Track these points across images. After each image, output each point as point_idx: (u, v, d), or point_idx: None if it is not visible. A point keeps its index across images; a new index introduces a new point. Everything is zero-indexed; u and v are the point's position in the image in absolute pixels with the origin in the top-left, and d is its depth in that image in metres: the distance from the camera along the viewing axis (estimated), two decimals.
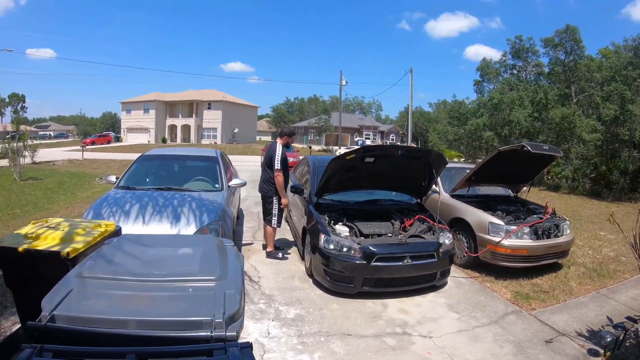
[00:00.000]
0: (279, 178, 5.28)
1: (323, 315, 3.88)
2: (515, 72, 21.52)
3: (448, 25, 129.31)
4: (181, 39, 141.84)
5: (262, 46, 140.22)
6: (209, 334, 1.54)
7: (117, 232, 3.13)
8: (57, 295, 1.70)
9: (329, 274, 4.36)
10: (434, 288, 4.71)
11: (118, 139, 50.63)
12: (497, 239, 5.12)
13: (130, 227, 4.03)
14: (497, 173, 6.04)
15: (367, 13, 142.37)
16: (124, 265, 2.08)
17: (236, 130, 49.83)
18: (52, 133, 67.18)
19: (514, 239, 5.14)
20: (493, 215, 5.46)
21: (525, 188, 6.91)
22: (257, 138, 60.10)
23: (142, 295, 1.78)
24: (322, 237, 4.44)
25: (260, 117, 69.58)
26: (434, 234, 4.86)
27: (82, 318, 1.59)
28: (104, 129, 69.37)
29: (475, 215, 5.51)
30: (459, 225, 5.68)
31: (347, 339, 3.42)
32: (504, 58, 21.66)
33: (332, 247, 4.36)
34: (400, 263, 4.29)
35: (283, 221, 5.76)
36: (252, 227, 7.37)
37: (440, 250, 4.52)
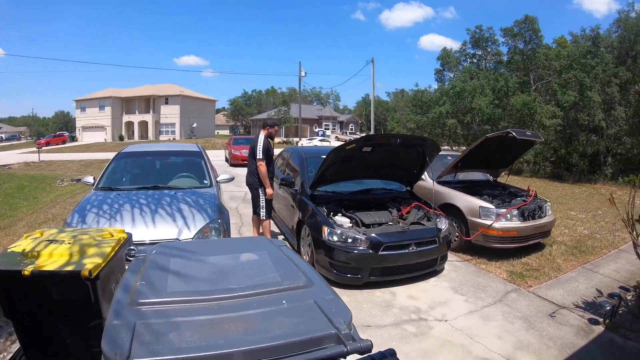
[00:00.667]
0: (262, 168, 5.22)
1: None
2: (475, 60, 22.26)
3: (403, 15, 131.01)
4: (131, 32, 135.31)
5: (216, 39, 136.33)
6: (343, 349, 1.30)
7: (129, 239, 2.83)
8: (120, 335, 1.30)
9: (334, 267, 4.32)
10: (434, 273, 4.81)
11: (73, 139, 47.86)
12: (488, 222, 5.30)
13: None
14: (481, 159, 6.22)
15: (322, 3, 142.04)
16: (187, 282, 1.71)
17: (195, 125, 48.55)
18: (3, 135, 62.47)
19: (504, 221, 5.34)
20: (481, 199, 5.64)
21: (504, 173, 7.19)
22: (216, 132, 58.79)
23: (230, 318, 1.44)
24: (326, 229, 4.38)
25: (218, 111, 67.91)
26: (429, 220, 4.94)
27: None
28: (57, 128, 65.43)
29: (465, 201, 5.66)
30: (449, 211, 5.79)
31: (368, 331, 3.41)
32: (463, 47, 22.29)
33: (336, 238, 4.31)
34: (406, 250, 4.34)
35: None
36: (236, 224, 7.20)
37: (440, 236, 4.61)
